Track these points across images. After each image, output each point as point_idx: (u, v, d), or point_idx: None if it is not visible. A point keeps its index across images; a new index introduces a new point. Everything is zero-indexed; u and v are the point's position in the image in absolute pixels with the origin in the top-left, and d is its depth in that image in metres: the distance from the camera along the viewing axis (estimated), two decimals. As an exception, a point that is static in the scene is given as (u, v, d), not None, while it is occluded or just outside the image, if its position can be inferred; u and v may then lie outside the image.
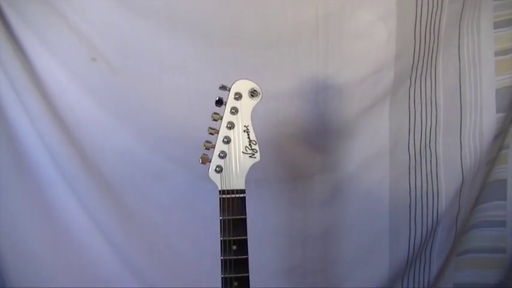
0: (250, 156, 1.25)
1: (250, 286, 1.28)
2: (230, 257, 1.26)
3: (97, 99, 1.72)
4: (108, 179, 1.78)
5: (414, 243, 1.90)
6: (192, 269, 1.86)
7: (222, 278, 1.27)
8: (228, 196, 1.25)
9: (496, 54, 1.86)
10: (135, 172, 1.78)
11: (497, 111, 1.87)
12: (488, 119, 1.88)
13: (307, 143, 1.81)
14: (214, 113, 1.24)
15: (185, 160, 1.73)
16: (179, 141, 1.73)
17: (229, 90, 1.24)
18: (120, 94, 1.71)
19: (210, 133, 1.24)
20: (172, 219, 1.84)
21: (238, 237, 1.26)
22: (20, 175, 1.78)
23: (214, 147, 1.24)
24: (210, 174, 1.25)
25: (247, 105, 1.24)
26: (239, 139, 1.24)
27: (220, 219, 1.25)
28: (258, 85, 1.24)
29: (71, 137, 1.72)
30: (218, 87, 1.24)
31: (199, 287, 1.83)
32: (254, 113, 1.25)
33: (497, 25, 1.85)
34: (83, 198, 1.78)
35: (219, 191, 1.25)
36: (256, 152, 1.25)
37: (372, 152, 1.85)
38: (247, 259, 1.27)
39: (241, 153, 1.25)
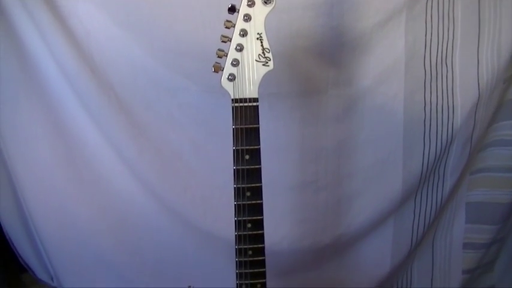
0: (263, 65, 1.23)
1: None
2: (243, 167, 1.27)
3: (107, 11, 1.69)
4: (119, 93, 1.77)
5: (428, 159, 1.90)
6: (205, 182, 1.88)
7: (234, 187, 1.28)
8: (241, 105, 1.24)
9: (517, -33, 1.81)
10: (146, 86, 1.77)
11: (516, 29, 1.83)
12: (507, 35, 1.83)
13: (321, 57, 1.78)
14: (227, 20, 1.21)
15: (198, 73, 1.72)
16: (191, 54, 1.70)
17: (242, -3, 1.21)
18: (131, 5, 1.67)
19: (223, 41, 1.22)
20: (185, 133, 1.84)
21: (251, 147, 1.26)
22: (30, 90, 1.79)
23: (226, 55, 1.23)
24: (222, 83, 1.24)
25: (260, 12, 1.21)
26: (252, 47, 1.22)
27: (233, 128, 1.25)
28: (271, -9, 1.21)
29: (80, 50, 1.70)
30: (230, -5, 1.21)
31: (211, 200, 1.87)
32: (267, 25, 1.22)
33: None
34: (93, 112, 1.78)
35: (232, 100, 1.24)
36: (270, 60, 1.23)
37: (387, 67, 1.81)
38: (260, 169, 1.28)
39: (255, 61, 1.23)
